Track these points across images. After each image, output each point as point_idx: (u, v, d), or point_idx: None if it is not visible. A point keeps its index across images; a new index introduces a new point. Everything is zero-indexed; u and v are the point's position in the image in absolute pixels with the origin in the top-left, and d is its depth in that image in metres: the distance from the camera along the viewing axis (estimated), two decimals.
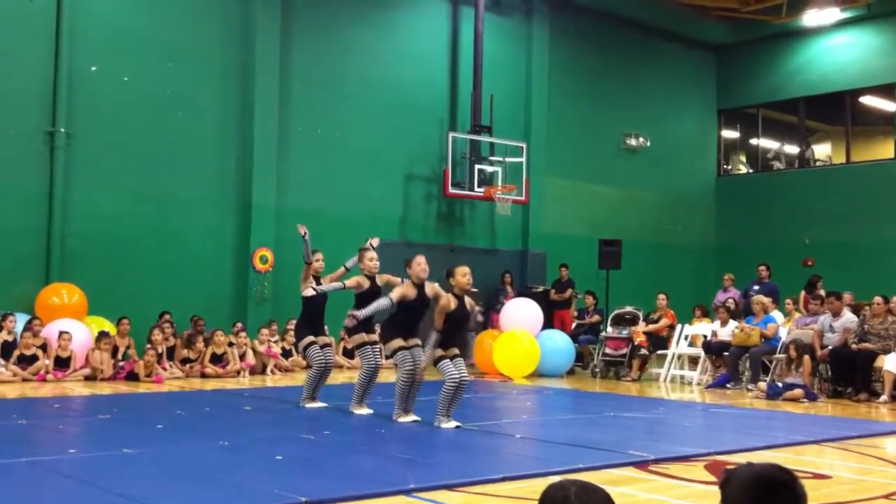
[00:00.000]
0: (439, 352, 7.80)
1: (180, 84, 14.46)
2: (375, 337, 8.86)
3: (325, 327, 9.65)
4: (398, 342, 8.08)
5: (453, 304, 7.75)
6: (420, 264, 8.06)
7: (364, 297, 8.46)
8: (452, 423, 7.79)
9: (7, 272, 12.82)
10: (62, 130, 13.24)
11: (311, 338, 9.24)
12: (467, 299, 8.01)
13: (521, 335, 13.43)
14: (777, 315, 13.27)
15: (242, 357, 13.01)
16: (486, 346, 13.83)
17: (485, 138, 16.94)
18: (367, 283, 8.65)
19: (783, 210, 20.16)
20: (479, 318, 8.68)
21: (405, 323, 8.16)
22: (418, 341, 8.22)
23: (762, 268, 14.92)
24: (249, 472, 5.72)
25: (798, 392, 10.89)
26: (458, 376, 7.75)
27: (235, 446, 6.68)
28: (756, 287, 14.49)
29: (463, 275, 7.78)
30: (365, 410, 8.59)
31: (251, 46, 14.99)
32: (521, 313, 14.14)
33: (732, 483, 2.10)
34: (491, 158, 16.92)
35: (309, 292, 8.94)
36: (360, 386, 8.71)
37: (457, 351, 8.00)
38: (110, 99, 13.80)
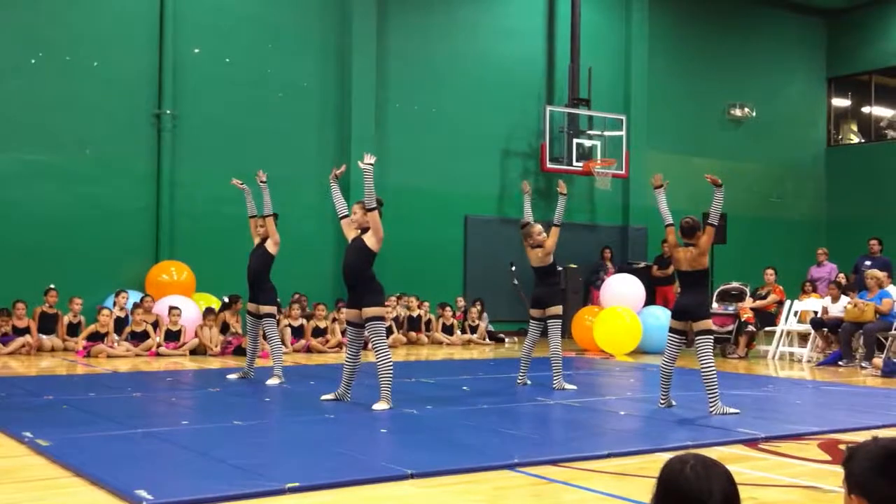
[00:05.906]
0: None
1: (280, 64, 14.70)
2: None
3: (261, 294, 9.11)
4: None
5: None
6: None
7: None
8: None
9: (119, 251, 13.35)
10: (168, 112, 13.64)
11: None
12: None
13: (623, 311, 13.21)
14: (893, 290, 12.69)
15: (344, 332, 13.16)
16: (587, 322, 13.67)
17: (583, 112, 16.68)
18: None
19: None
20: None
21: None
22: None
23: (874, 241, 14.30)
24: (356, 445, 5.79)
25: None
26: None
27: (341, 419, 6.77)
28: (868, 262, 13.89)
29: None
30: None
31: (348, 25, 15.11)
32: (622, 289, 13.92)
33: (858, 458, 2.04)
34: (589, 132, 16.67)
35: None
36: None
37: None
38: (213, 80, 14.13)
